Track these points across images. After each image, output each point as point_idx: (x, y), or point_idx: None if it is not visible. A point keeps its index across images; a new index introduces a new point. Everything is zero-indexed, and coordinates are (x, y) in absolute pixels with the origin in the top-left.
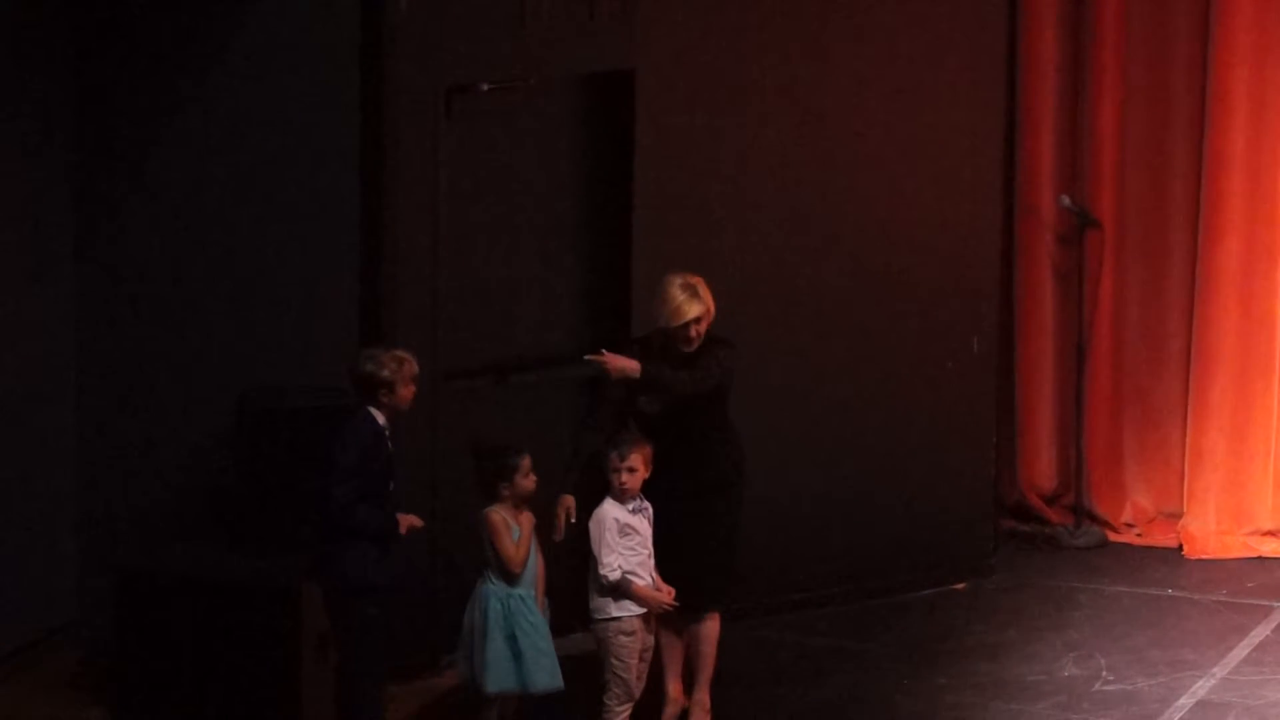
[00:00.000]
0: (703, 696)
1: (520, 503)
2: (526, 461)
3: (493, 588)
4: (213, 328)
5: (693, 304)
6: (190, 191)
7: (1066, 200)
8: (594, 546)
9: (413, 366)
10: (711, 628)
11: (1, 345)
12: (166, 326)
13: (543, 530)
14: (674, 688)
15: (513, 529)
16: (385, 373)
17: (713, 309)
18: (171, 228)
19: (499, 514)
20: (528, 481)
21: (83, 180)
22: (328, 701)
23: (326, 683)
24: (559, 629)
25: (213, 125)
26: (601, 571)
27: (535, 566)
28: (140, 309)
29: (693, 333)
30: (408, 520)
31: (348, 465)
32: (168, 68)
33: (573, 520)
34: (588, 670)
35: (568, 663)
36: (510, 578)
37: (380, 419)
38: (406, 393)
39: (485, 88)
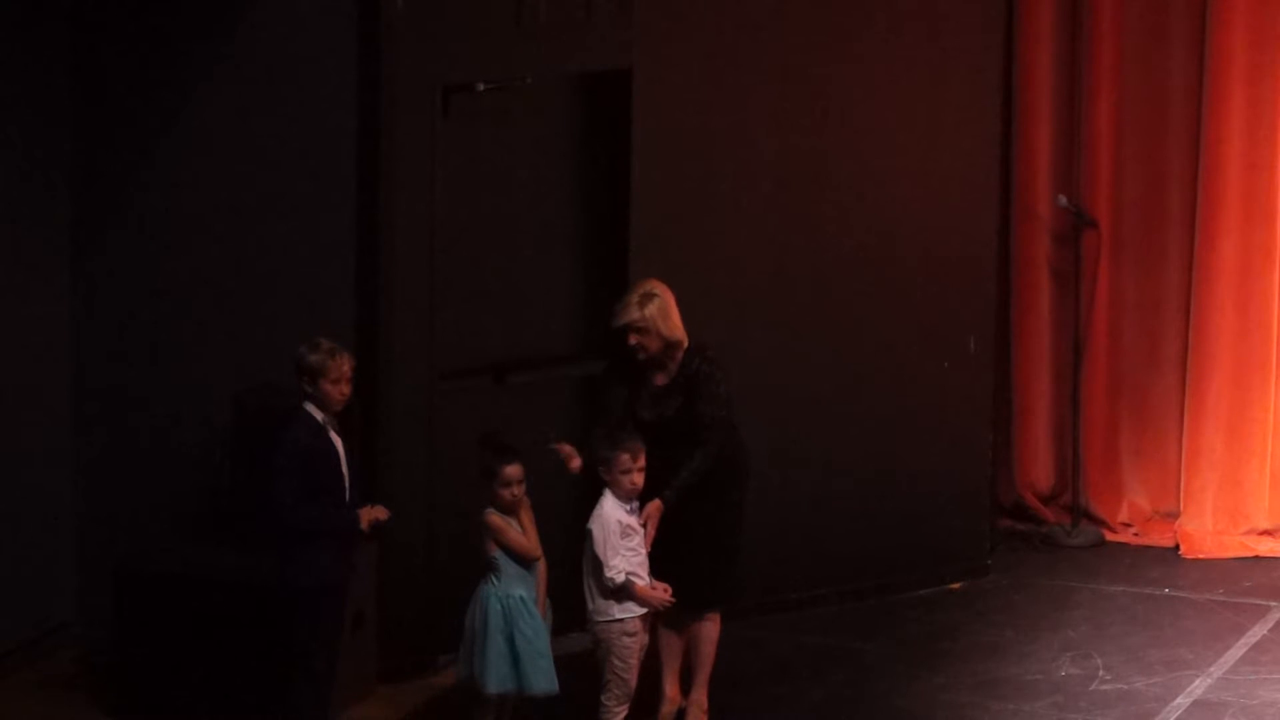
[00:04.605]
0: (700, 696)
1: (507, 508)
2: (510, 472)
3: (493, 589)
4: (209, 327)
5: (630, 311)
6: (187, 191)
7: (1063, 200)
8: (598, 549)
9: (344, 365)
10: (711, 628)
11: None
12: (163, 326)
13: (544, 532)
14: (671, 687)
15: (512, 524)
16: (312, 359)
17: (666, 332)
18: (168, 227)
19: (495, 514)
20: (506, 493)
21: (80, 179)
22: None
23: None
24: (558, 629)
25: (210, 125)
26: (608, 574)
27: (537, 568)
28: (137, 308)
29: (631, 340)
30: (371, 514)
31: (284, 465)
32: (165, 67)
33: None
34: (585, 669)
35: (565, 662)
36: (530, 565)
37: (318, 415)
38: (333, 390)
39: (482, 87)
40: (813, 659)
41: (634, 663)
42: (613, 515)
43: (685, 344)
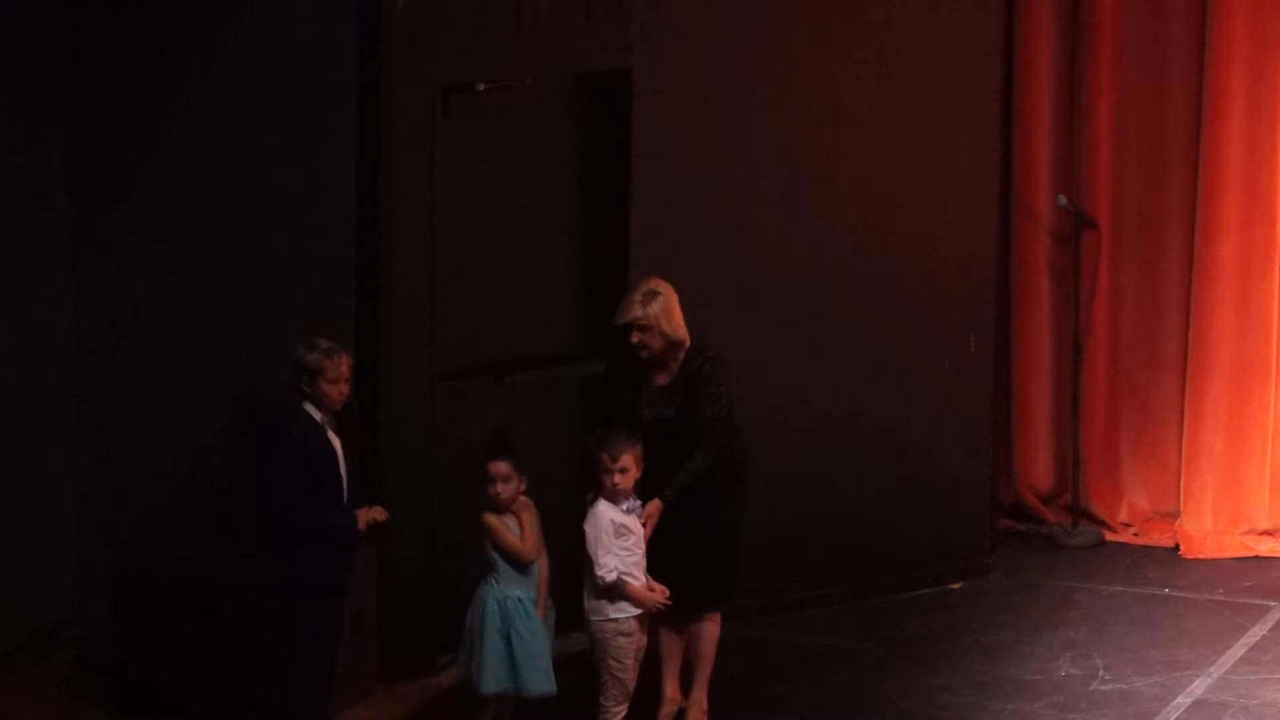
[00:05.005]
0: (700, 696)
1: (499, 506)
2: (494, 468)
3: (492, 589)
4: (209, 327)
5: (634, 309)
6: (187, 192)
7: (1063, 200)
8: (590, 548)
9: (342, 365)
10: (711, 628)
11: None
12: (162, 326)
13: (548, 533)
14: (671, 687)
15: (510, 525)
16: (310, 358)
17: (668, 331)
18: (168, 227)
19: (491, 515)
20: (493, 490)
21: (79, 181)
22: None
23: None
24: (558, 629)
25: (210, 125)
26: (598, 573)
27: (538, 568)
28: (136, 309)
29: (634, 339)
30: (369, 515)
31: (283, 466)
32: (165, 67)
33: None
34: (584, 670)
35: (565, 662)
36: (524, 569)
37: (316, 415)
38: (331, 390)
39: (482, 87)
40: (813, 659)
41: (630, 663)
42: (606, 515)
43: (688, 343)
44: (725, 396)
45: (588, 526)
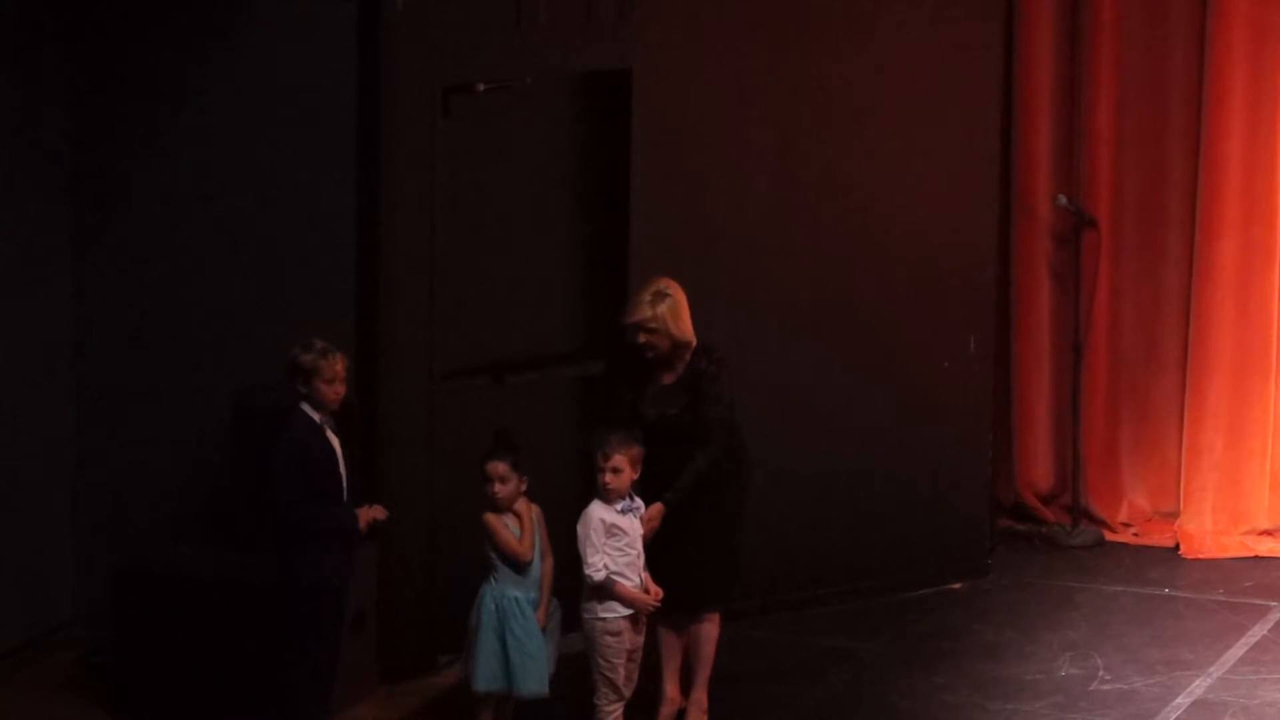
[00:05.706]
0: (700, 696)
1: (498, 506)
2: (490, 468)
3: (490, 588)
4: (209, 327)
5: (642, 309)
6: (187, 192)
7: (1063, 200)
8: (579, 546)
9: (338, 365)
10: (711, 628)
11: None
12: (163, 326)
13: (552, 533)
14: (671, 687)
15: (510, 527)
16: (305, 359)
17: (675, 332)
18: (168, 228)
19: (490, 515)
20: (490, 489)
21: (80, 181)
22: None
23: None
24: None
25: (210, 126)
26: (586, 572)
27: (539, 568)
28: (137, 309)
29: (641, 338)
30: (369, 514)
31: (282, 466)
32: (166, 68)
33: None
34: (584, 670)
35: (565, 663)
36: (522, 568)
37: (314, 416)
38: (327, 389)
39: (482, 88)
40: (813, 659)
41: (619, 662)
42: (596, 514)
43: (694, 344)
44: (729, 398)
45: (579, 526)
